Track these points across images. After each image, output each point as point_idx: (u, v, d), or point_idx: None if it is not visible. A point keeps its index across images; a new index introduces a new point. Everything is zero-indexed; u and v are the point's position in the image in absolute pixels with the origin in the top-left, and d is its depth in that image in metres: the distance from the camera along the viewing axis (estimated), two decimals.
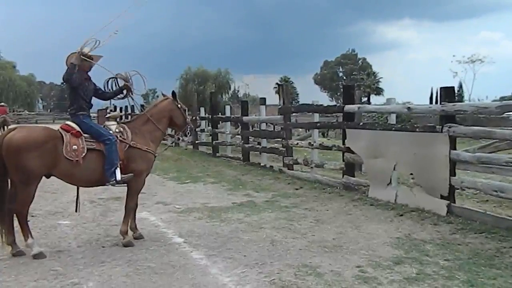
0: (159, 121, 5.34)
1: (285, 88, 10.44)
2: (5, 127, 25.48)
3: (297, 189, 8.29)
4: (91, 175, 4.86)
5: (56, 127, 4.94)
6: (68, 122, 4.90)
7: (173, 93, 5.65)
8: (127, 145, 5.02)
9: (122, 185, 5.05)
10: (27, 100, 61.63)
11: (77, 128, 4.80)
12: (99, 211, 6.70)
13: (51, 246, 4.96)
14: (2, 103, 28.95)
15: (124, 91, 5.33)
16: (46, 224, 5.86)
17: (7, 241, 4.59)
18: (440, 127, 6.01)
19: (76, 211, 5.23)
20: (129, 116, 25.73)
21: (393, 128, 6.86)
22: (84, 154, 4.72)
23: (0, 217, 4.57)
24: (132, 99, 5.44)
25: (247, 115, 12.62)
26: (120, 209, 6.82)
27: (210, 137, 14.72)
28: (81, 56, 4.86)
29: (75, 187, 5.16)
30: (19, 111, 55.21)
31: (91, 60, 4.98)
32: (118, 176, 4.89)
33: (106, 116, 5.25)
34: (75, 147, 4.68)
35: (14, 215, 4.62)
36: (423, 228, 5.50)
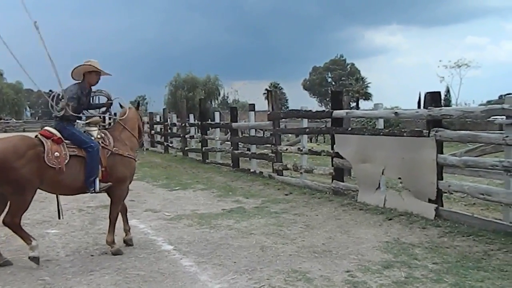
0: (133, 129, 5.37)
1: (274, 94, 10.49)
2: None
3: (286, 194, 8.31)
4: (74, 183, 4.75)
5: (33, 134, 4.89)
6: (48, 128, 4.81)
7: (138, 104, 5.81)
8: (110, 152, 4.95)
9: (103, 192, 5.02)
10: (14, 108, 61.07)
11: (58, 134, 4.69)
12: (87, 220, 6.64)
13: (41, 256, 4.89)
14: None
15: (104, 108, 5.44)
16: (34, 233, 5.69)
17: None
18: (427, 131, 6.08)
19: (59, 218, 5.11)
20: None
21: (381, 133, 6.92)
22: (67, 161, 4.62)
23: None
24: (110, 114, 5.54)
25: (236, 121, 12.63)
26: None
27: (200, 144, 14.70)
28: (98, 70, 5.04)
29: (60, 195, 5.07)
30: (7, 119, 54.66)
31: (108, 73, 5.14)
32: (97, 186, 4.82)
33: (86, 121, 5.13)
34: (57, 153, 4.56)
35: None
36: (411, 232, 5.54)
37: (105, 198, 8.26)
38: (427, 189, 6.06)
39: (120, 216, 5.25)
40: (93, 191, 4.85)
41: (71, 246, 5.29)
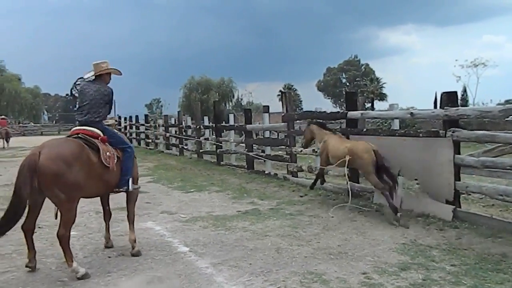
0: None
1: (288, 95, 10.49)
2: (8, 139, 25.79)
3: (301, 196, 8.30)
4: (115, 182, 4.89)
5: (61, 135, 4.97)
6: (89, 128, 4.78)
7: None
8: None
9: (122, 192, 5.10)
10: (32, 112, 62.13)
11: (102, 134, 4.80)
12: None
13: (57, 257, 4.96)
14: (3, 116, 29.26)
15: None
16: (53, 235, 5.81)
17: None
18: (444, 132, 6.01)
19: (56, 218, 5.03)
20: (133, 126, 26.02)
21: (397, 134, 6.86)
22: (116, 160, 4.77)
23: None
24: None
25: (250, 123, 12.65)
26: (126, 219, 6.87)
27: (214, 146, 14.75)
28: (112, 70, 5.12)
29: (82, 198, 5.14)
30: (25, 123, 55.68)
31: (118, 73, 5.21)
32: (131, 185, 4.97)
33: (108, 123, 5.26)
34: (108, 153, 4.69)
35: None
36: (428, 233, 5.48)
37: (121, 200, 8.36)
38: (444, 190, 5.99)
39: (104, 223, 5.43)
40: (127, 190, 4.98)
41: (88, 247, 5.36)
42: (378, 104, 60.07)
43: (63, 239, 4.28)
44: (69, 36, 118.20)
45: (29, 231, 4.51)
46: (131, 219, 5.19)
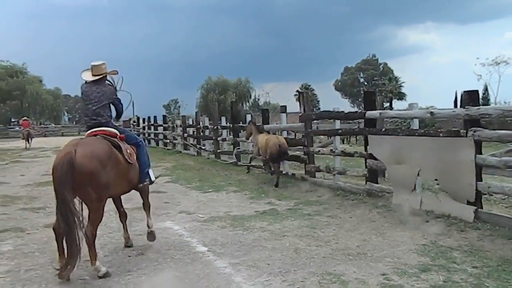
0: None
1: (305, 95, 10.44)
2: (30, 139, 26.49)
3: (319, 196, 8.26)
4: (135, 179, 5.05)
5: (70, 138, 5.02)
6: (106, 128, 4.86)
7: None
8: None
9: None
10: (53, 113, 63.39)
11: (118, 133, 4.90)
12: None
13: (81, 256, 5.06)
14: (25, 117, 29.89)
15: None
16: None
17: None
18: (465, 131, 5.91)
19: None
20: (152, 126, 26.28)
21: (416, 134, 6.77)
22: (135, 156, 4.92)
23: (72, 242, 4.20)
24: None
25: (268, 123, 12.64)
26: (145, 219, 6.94)
27: (232, 146, 14.80)
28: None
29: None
30: (46, 124, 56.82)
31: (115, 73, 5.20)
32: (153, 176, 5.14)
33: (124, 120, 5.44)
34: (128, 150, 4.83)
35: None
36: (449, 234, 5.40)
37: (139, 200, 8.47)
38: (465, 190, 5.88)
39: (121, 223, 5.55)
40: (150, 182, 5.16)
41: (109, 247, 5.44)
42: (396, 104, 59.44)
43: (90, 237, 4.34)
44: (89, 39, 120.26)
45: (60, 235, 4.35)
46: (147, 208, 5.49)
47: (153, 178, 5.10)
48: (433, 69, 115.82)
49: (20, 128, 29.01)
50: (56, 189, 4.17)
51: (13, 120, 57.40)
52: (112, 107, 5.15)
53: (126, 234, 5.48)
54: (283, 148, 9.79)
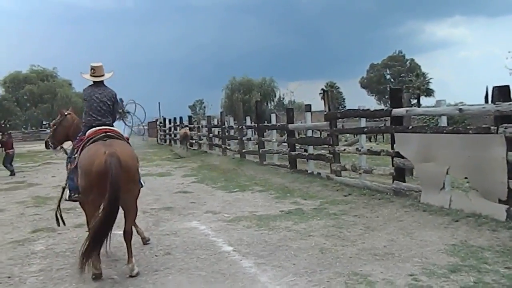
0: None
1: (330, 94, 10.35)
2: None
3: (345, 195, 8.17)
4: None
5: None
6: (115, 128, 5.01)
7: None
8: None
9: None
10: (82, 115, 64.81)
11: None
12: (151, 221, 6.91)
13: (109, 256, 5.16)
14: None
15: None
16: None
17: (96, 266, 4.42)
18: (495, 128, 5.73)
19: (58, 225, 5.24)
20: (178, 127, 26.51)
21: (445, 131, 6.61)
22: None
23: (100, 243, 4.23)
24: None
25: (292, 123, 12.60)
26: (171, 218, 7.05)
27: (257, 146, 14.81)
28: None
29: None
30: None
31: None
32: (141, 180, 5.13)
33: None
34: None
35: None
36: (480, 234, 5.24)
37: (167, 201, 8.61)
38: (497, 189, 5.71)
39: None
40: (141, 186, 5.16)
41: (136, 246, 5.50)
42: (424, 100, 58.19)
43: (130, 235, 4.59)
44: (118, 42, 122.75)
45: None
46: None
47: (142, 183, 5.09)
48: (463, 64, 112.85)
49: None
50: (109, 189, 4.13)
51: (44, 122, 59.03)
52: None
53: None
54: (188, 134, 21.76)
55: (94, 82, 5.06)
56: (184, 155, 20.15)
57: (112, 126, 5.00)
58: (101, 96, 4.97)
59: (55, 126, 5.78)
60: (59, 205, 5.25)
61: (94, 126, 4.86)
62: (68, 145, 5.64)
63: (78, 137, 5.09)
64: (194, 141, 23.10)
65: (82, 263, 4.08)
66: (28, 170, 15.99)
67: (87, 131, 4.88)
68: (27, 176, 14.15)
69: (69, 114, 5.81)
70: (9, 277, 4.59)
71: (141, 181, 4.91)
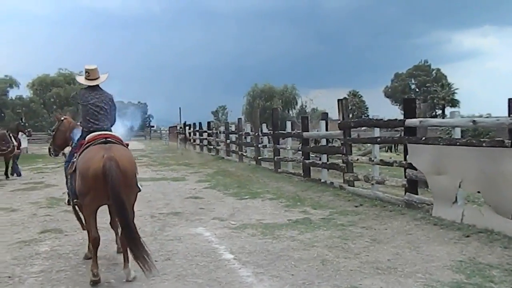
0: None
1: (344, 102, 10.23)
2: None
3: (356, 206, 8.01)
4: None
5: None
6: (112, 133, 4.96)
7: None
8: None
9: None
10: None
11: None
12: (158, 226, 6.91)
13: (109, 259, 5.19)
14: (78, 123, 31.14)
15: None
16: (107, 238, 6.10)
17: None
18: (510, 141, 5.53)
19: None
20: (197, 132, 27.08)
21: (458, 143, 6.42)
22: None
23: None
24: None
25: (307, 131, 12.50)
26: (178, 224, 7.05)
27: (272, 153, 14.74)
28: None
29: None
30: None
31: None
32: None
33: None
34: None
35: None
36: (491, 251, 5.04)
37: (177, 206, 8.63)
38: (510, 204, 5.49)
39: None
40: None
41: None
42: (449, 111, 57.05)
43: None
44: (142, 48, 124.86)
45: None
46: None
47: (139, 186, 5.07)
48: (492, 74, 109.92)
49: None
50: (110, 191, 4.18)
51: None
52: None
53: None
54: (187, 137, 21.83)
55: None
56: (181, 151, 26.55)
57: (111, 130, 5.01)
58: (98, 100, 4.97)
59: (54, 132, 5.86)
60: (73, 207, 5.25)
61: (92, 131, 4.86)
62: (68, 150, 5.69)
63: (77, 142, 5.10)
64: (194, 142, 27.44)
65: (144, 268, 4.11)
66: (48, 171, 16.31)
67: (86, 136, 4.89)
68: (45, 177, 14.43)
69: (65, 119, 5.89)
70: (9, 277, 4.64)
71: (138, 185, 4.89)
